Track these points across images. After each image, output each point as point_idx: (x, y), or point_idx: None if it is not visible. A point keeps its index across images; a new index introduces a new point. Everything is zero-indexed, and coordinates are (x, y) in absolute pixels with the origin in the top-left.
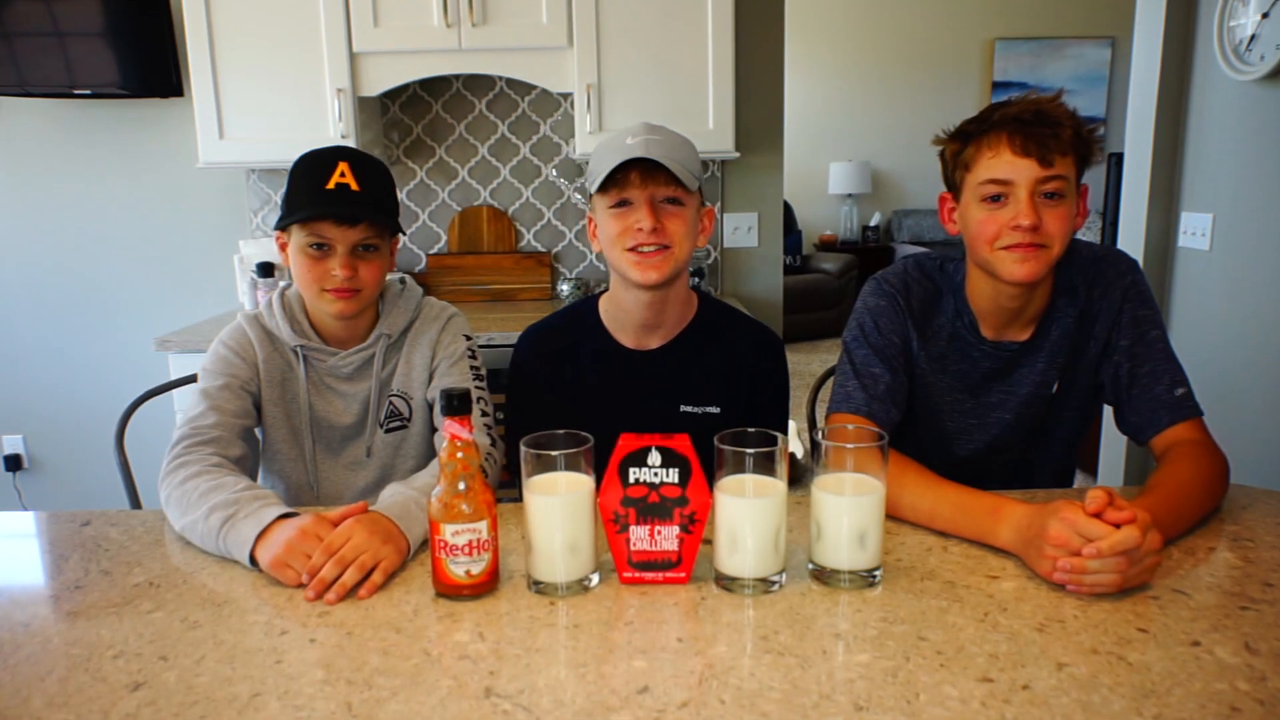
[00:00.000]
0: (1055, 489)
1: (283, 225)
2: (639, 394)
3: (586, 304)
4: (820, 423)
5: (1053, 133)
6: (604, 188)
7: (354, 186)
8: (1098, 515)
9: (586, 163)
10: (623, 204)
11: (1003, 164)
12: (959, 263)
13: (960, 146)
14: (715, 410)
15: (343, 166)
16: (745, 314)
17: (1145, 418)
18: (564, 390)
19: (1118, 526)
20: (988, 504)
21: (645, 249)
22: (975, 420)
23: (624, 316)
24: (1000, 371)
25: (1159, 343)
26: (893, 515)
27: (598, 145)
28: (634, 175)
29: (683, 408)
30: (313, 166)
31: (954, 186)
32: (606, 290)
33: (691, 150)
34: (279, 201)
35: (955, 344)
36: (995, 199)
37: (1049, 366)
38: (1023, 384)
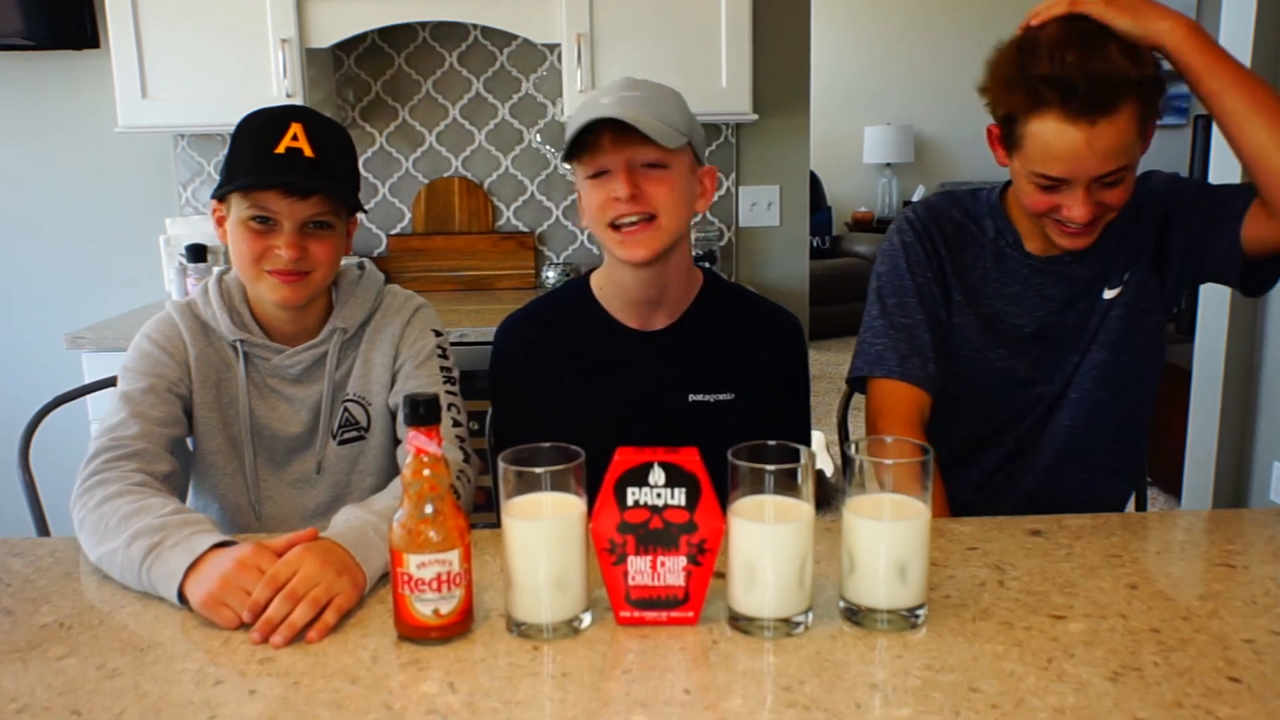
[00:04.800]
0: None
1: (221, 194)
2: (645, 381)
3: (576, 284)
4: (853, 435)
5: (1110, 117)
6: (577, 155)
7: (307, 151)
8: None
9: None
10: (601, 173)
11: (1055, 161)
12: (992, 189)
13: (1007, 114)
14: (728, 397)
15: (295, 128)
16: (755, 292)
17: (1230, 231)
18: (560, 384)
19: None
20: None
21: (627, 222)
22: (1017, 309)
23: (623, 294)
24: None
25: (1228, 188)
26: None
27: (576, 107)
28: (605, 139)
29: (691, 397)
30: (259, 126)
31: (1003, 140)
32: (598, 267)
33: (676, 103)
34: (213, 172)
35: (1001, 265)
36: (1048, 186)
37: (1106, 269)
38: (1074, 282)
